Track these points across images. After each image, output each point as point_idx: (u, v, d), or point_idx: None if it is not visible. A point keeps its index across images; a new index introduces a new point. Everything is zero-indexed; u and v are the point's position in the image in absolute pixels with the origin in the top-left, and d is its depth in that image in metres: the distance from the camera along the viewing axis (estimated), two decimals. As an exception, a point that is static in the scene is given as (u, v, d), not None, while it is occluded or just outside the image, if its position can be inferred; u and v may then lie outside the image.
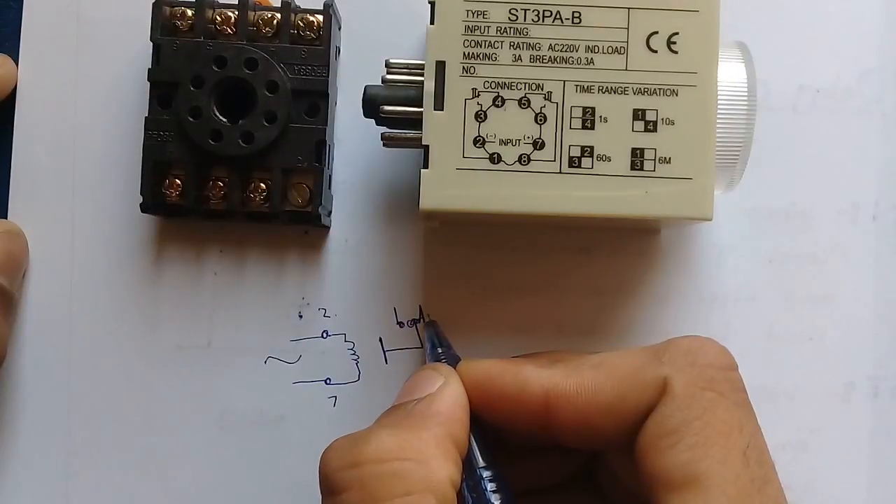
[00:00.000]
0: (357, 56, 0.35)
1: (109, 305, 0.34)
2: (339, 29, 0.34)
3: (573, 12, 0.29)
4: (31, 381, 0.34)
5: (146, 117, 0.32)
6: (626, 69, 0.29)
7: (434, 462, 0.24)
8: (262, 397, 0.34)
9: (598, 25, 0.29)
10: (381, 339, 0.34)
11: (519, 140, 0.29)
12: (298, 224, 0.33)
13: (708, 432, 0.24)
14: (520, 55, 0.29)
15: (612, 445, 0.27)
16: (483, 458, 0.27)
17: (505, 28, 0.29)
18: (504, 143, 0.29)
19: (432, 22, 0.29)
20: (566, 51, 0.29)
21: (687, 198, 0.29)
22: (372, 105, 0.30)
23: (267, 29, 0.32)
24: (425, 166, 0.29)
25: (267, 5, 0.33)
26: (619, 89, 0.29)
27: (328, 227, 0.35)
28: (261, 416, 0.34)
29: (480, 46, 0.29)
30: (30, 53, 0.35)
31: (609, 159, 0.29)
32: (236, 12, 0.32)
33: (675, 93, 0.29)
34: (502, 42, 0.29)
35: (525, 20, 0.29)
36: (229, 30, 0.32)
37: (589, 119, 0.29)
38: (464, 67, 0.29)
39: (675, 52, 0.29)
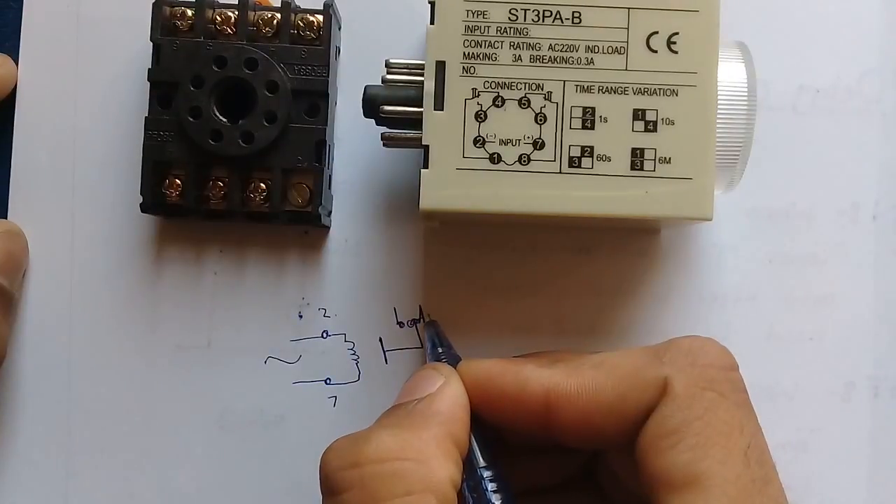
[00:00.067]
0: (357, 56, 0.35)
1: (109, 305, 0.34)
2: (339, 29, 0.34)
3: (573, 12, 0.29)
4: (31, 381, 0.34)
5: (146, 117, 0.32)
6: (626, 69, 0.29)
7: (434, 462, 0.24)
8: (262, 397, 0.34)
9: (598, 25, 0.29)
10: (381, 339, 0.34)
11: (519, 140, 0.29)
12: (298, 224, 0.33)
13: (709, 432, 0.24)
14: (520, 55, 0.29)
15: (612, 445, 0.27)
16: (483, 458, 0.27)
17: (505, 28, 0.29)
18: (504, 143, 0.29)
19: (432, 22, 0.29)
20: (566, 51, 0.29)
21: (687, 198, 0.29)
22: (372, 105, 0.30)
23: (267, 29, 0.32)
24: (425, 166, 0.29)
25: (267, 5, 0.33)
26: (619, 89, 0.29)
27: (328, 227, 0.35)
28: (261, 416, 0.34)
29: (480, 46, 0.29)
30: (30, 53, 0.35)
31: (609, 159, 0.29)
32: (236, 12, 0.32)
33: (675, 93, 0.29)
34: (502, 42, 0.29)
35: (525, 20, 0.29)
36: (229, 30, 0.32)
37: (589, 119, 0.29)
38: (464, 67, 0.29)
39: (675, 52, 0.29)
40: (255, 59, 0.32)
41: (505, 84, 0.29)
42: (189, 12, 0.32)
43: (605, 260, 0.35)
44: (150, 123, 0.32)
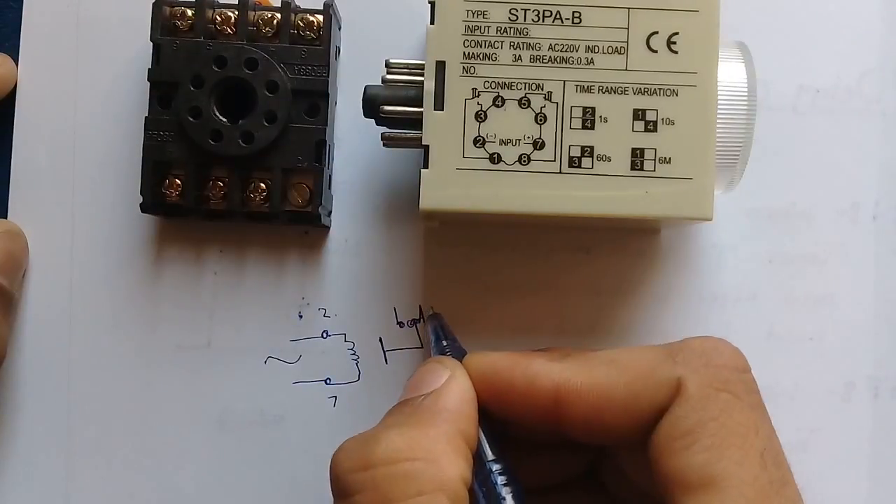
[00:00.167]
0: (357, 56, 0.35)
1: (109, 305, 0.34)
2: (339, 29, 0.34)
3: (573, 12, 0.29)
4: (31, 381, 0.34)
5: (146, 117, 0.32)
6: (626, 69, 0.29)
7: (444, 460, 0.24)
8: (262, 397, 0.34)
9: (598, 25, 0.29)
10: (381, 339, 0.34)
11: (519, 140, 0.29)
12: (298, 224, 0.33)
13: (724, 434, 0.24)
14: (520, 55, 0.29)
15: (622, 442, 0.27)
16: (492, 452, 0.26)
17: (505, 28, 0.29)
18: (504, 143, 0.29)
19: (432, 22, 0.29)
20: (566, 51, 0.29)
21: (687, 198, 0.29)
22: (372, 105, 0.30)
23: (267, 29, 0.32)
24: (425, 166, 0.29)
25: (267, 5, 0.33)
26: (619, 89, 0.29)
27: (328, 227, 0.35)
28: (261, 416, 0.34)
29: (480, 46, 0.29)
30: (30, 53, 0.35)
31: (609, 159, 0.29)
32: (236, 12, 0.32)
33: (675, 93, 0.29)
34: (502, 42, 0.29)
35: (525, 20, 0.29)
36: (229, 30, 0.32)
37: (589, 119, 0.29)
38: (464, 67, 0.29)
39: (675, 52, 0.29)
40: (255, 59, 0.32)
41: (505, 84, 0.29)
42: (189, 12, 0.32)
43: (605, 260, 0.35)
44: (150, 123, 0.32)
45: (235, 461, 0.34)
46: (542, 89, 0.29)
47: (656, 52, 0.29)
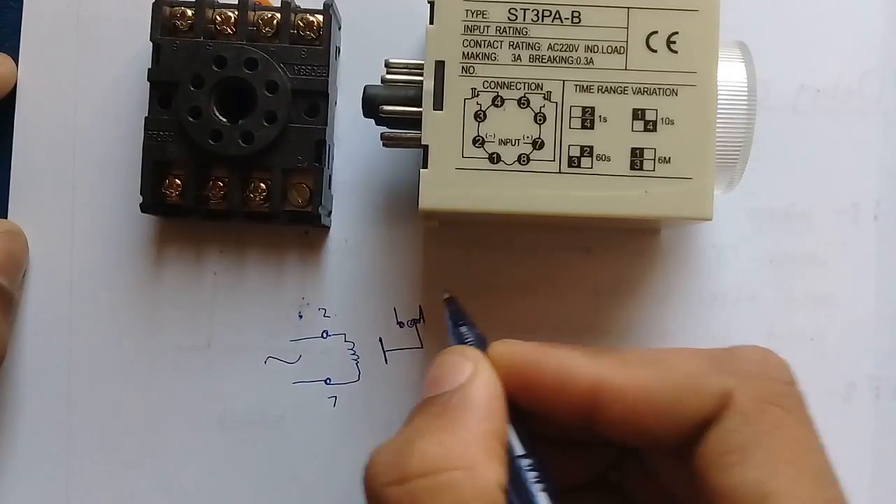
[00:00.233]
0: (357, 56, 0.35)
1: (109, 305, 0.34)
2: (339, 29, 0.34)
3: (573, 12, 0.29)
4: (31, 381, 0.34)
5: (146, 117, 0.32)
6: (625, 69, 0.29)
7: (481, 467, 0.23)
8: (262, 397, 0.34)
9: (598, 25, 0.29)
10: (381, 339, 0.34)
11: (518, 140, 0.29)
12: (298, 224, 0.33)
13: (778, 450, 0.23)
14: (519, 55, 0.29)
15: (657, 446, 0.26)
16: (522, 446, 0.25)
17: (504, 28, 0.29)
18: (503, 142, 0.29)
19: (432, 22, 0.29)
20: (566, 50, 0.29)
21: (687, 198, 0.29)
22: (371, 105, 0.30)
23: (267, 29, 0.32)
24: (425, 166, 0.29)
25: (267, 5, 0.33)
26: (619, 89, 0.29)
27: (328, 227, 0.35)
28: (261, 416, 0.34)
29: (480, 46, 0.29)
30: (30, 53, 0.35)
31: (609, 159, 0.29)
32: (236, 12, 0.32)
33: (674, 92, 0.29)
34: (502, 42, 0.29)
35: (524, 20, 0.29)
36: (229, 30, 0.32)
37: (588, 119, 0.29)
38: (463, 67, 0.29)
39: (675, 52, 0.29)
40: (255, 59, 0.32)
41: (504, 84, 0.29)
42: (189, 12, 0.32)
43: (605, 260, 0.35)
44: (150, 123, 0.32)
45: (235, 461, 0.34)
46: (542, 89, 0.29)
47: (656, 51, 0.29)
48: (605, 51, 0.29)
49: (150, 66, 0.32)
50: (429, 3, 0.29)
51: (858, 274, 0.35)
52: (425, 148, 0.29)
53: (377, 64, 0.31)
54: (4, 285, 0.32)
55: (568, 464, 0.29)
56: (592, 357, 0.25)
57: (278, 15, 0.32)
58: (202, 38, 0.32)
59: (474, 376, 0.25)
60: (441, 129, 0.29)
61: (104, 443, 0.34)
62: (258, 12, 0.32)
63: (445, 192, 0.29)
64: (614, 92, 0.29)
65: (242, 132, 0.32)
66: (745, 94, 0.30)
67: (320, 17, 0.33)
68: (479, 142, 0.29)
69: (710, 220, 0.29)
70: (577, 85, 0.29)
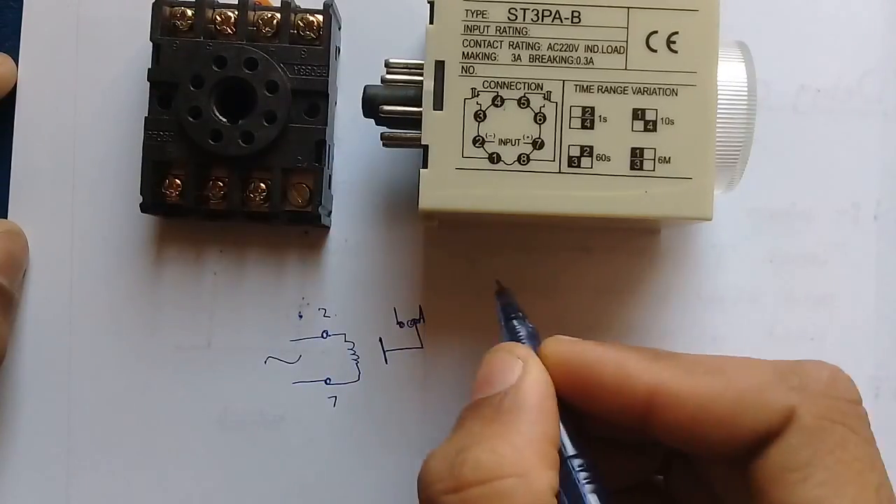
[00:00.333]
0: (357, 56, 0.35)
1: (109, 305, 0.34)
2: (339, 29, 0.34)
3: (572, 12, 0.29)
4: (31, 381, 0.34)
5: (146, 117, 0.32)
6: (625, 69, 0.29)
7: (534, 473, 0.23)
8: (262, 397, 0.34)
9: (598, 25, 0.29)
10: (381, 339, 0.34)
11: (518, 140, 0.29)
12: (298, 224, 0.33)
13: (840, 469, 0.23)
14: (519, 55, 0.29)
15: (713, 455, 0.26)
16: (573, 446, 0.25)
17: (504, 28, 0.29)
18: (503, 142, 0.29)
19: (432, 22, 0.29)
20: (565, 50, 0.29)
21: (687, 198, 0.29)
22: (371, 105, 0.30)
23: (267, 29, 0.32)
24: (424, 166, 0.29)
25: (267, 5, 0.33)
26: (619, 89, 0.29)
27: (328, 227, 0.35)
28: (261, 416, 0.34)
29: (480, 46, 0.29)
30: (30, 53, 0.35)
31: (609, 159, 0.29)
32: (236, 12, 0.32)
33: (674, 92, 0.29)
34: (501, 42, 0.29)
35: (524, 20, 0.29)
36: (229, 30, 0.32)
37: (588, 119, 0.29)
38: (463, 67, 0.29)
39: (675, 52, 0.29)
40: (255, 59, 0.32)
41: (504, 84, 0.29)
42: (189, 12, 0.32)
43: (604, 259, 0.35)
44: (150, 123, 0.32)
45: (235, 461, 0.34)
46: (542, 89, 0.29)
47: (656, 51, 0.29)
48: (605, 51, 0.29)
49: (150, 66, 0.32)
50: (429, 3, 0.29)
51: (858, 274, 0.35)
52: (425, 148, 0.29)
53: (377, 64, 0.31)
54: (4, 285, 0.32)
55: (615, 464, 0.28)
56: (652, 361, 0.25)
57: (278, 15, 0.32)
58: (202, 38, 0.32)
59: (525, 375, 0.25)
60: (441, 129, 0.29)
61: (104, 443, 0.34)
62: (258, 12, 0.32)
63: (445, 192, 0.29)
64: (614, 92, 0.29)
65: (242, 132, 0.32)
66: (745, 94, 0.30)
67: (320, 17, 0.33)
68: (479, 142, 0.29)
69: (710, 220, 0.29)
70: (577, 85, 0.29)
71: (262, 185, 0.32)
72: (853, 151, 0.35)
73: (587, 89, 0.29)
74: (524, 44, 0.29)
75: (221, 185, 0.32)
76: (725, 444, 0.24)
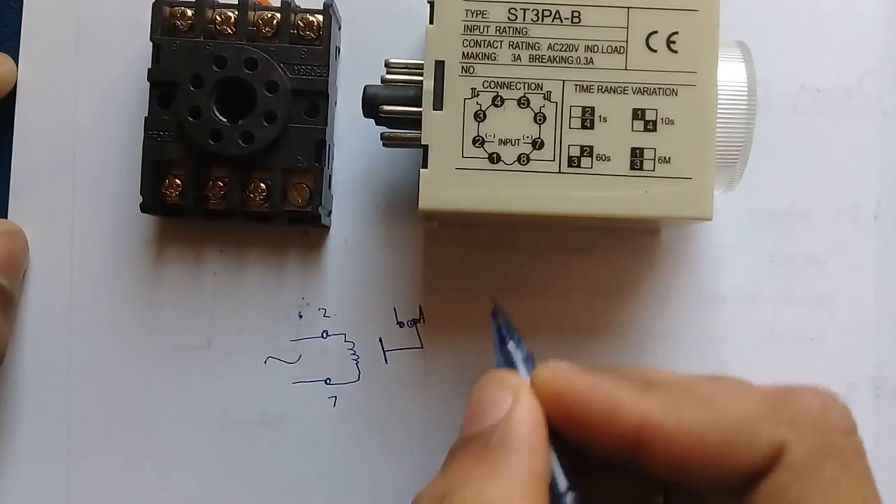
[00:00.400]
0: (357, 56, 0.35)
1: (109, 305, 0.34)
2: (339, 29, 0.34)
3: (572, 12, 0.29)
4: (31, 381, 0.34)
5: (146, 117, 0.32)
6: (625, 69, 0.29)
7: None
8: (262, 397, 0.34)
9: (598, 25, 0.29)
10: (381, 339, 0.34)
11: (518, 140, 0.29)
12: (298, 224, 0.33)
13: None
14: (519, 55, 0.29)
15: (703, 487, 0.25)
16: (565, 479, 0.25)
17: (504, 28, 0.29)
18: (503, 142, 0.29)
19: (431, 21, 0.29)
20: (565, 50, 0.29)
21: (687, 198, 0.29)
22: (371, 105, 0.30)
23: (267, 29, 0.32)
24: (424, 166, 0.29)
25: (267, 5, 0.33)
26: (619, 89, 0.29)
27: (328, 227, 0.35)
28: (261, 416, 0.34)
29: (480, 46, 0.29)
30: (30, 53, 0.35)
31: (609, 159, 0.29)
32: (236, 12, 0.32)
33: (674, 92, 0.29)
34: (501, 42, 0.29)
35: (524, 20, 0.29)
36: (229, 30, 0.32)
37: (588, 119, 0.29)
38: (463, 67, 0.29)
39: (675, 52, 0.29)
40: (255, 59, 0.32)
41: (504, 84, 0.29)
42: (189, 12, 0.32)
43: (604, 259, 0.35)
44: (150, 123, 0.32)
45: (235, 461, 0.34)
46: (542, 89, 0.29)
47: (656, 51, 0.29)
48: (605, 51, 0.29)
49: (150, 66, 0.32)
50: (429, 3, 0.29)
51: (858, 274, 0.35)
52: (425, 148, 0.29)
53: (377, 64, 0.31)
54: (4, 285, 0.32)
55: (614, 488, 0.28)
56: (642, 393, 0.25)
57: (278, 15, 0.32)
58: (202, 38, 0.32)
59: (515, 407, 0.24)
60: (441, 128, 0.29)
61: (104, 443, 0.34)
62: (258, 12, 0.32)
63: (445, 192, 0.29)
64: (614, 92, 0.29)
65: (242, 132, 0.32)
66: (745, 94, 0.30)
67: (320, 17, 0.33)
68: (478, 142, 0.29)
69: (710, 220, 0.29)
70: (577, 85, 0.29)
71: (262, 185, 0.32)
72: (853, 151, 0.35)
73: (587, 89, 0.29)
74: (524, 44, 0.29)
75: (221, 185, 0.32)
76: (716, 479, 0.24)
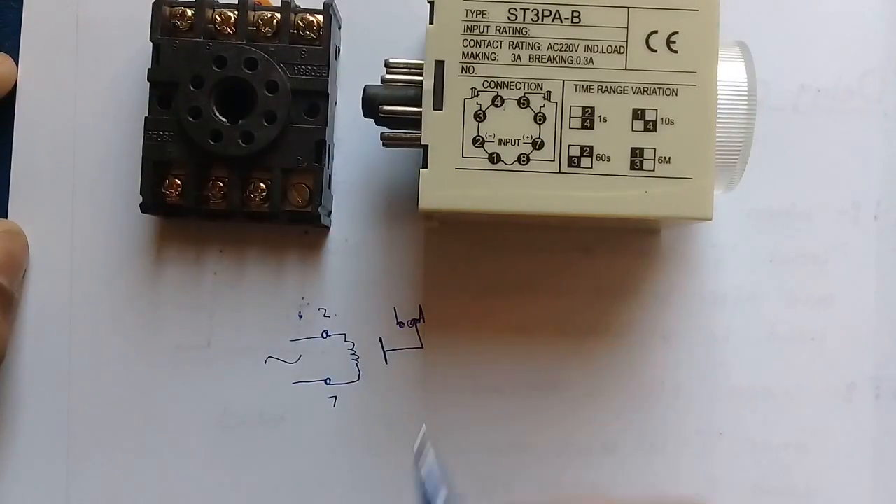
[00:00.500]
0: (357, 56, 0.35)
1: (109, 305, 0.34)
2: (339, 29, 0.34)
3: (572, 12, 0.29)
4: (31, 381, 0.34)
5: (146, 117, 0.32)
6: (625, 69, 0.29)
7: None
8: (262, 397, 0.34)
9: (598, 25, 0.29)
10: (381, 339, 0.34)
11: (518, 140, 0.29)
12: (298, 224, 0.33)
13: None
14: (519, 55, 0.29)
15: None
16: None
17: (504, 28, 0.29)
18: (503, 142, 0.29)
19: (431, 21, 0.29)
20: (565, 50, 0.29)
21: (687, 198, 0.29)
22: (371, 105, 0.30)
23: (267, 29, 0.32)
24: (424, 166, 0.29)
25: (267, 5, 0.33)
26: (619, 89, 0.29)
27: (328, 227, 0.35)
28: (261, 416, 0.34)
29: (480, 46, 0.29)
30: (30, 53, 0.35)
31: (608, 159, 0.29)
32: (236, 12, 0.32)
33: (674, 92, 0.29)
34: (501, 42, 0.29)
35: (524, 20, 0.29)
36: (229, 30, 0.32)
37: (588, 119, 0.29)
38: (463, 67, 0.29)
39: (675, 52, 0.29)
40: (255, 59, 0.32)
41: (504, 84, 0.29)
42: (189, 12, 0.32)
43: (605, 259, 0.35)
44: (150, 123, 0.32)
45: (235, 461, 0.34)
46: (542, 89, 0.29)
47: (656, 51, 0.29)
48: (605, 51, 0.29)
49: (150, 66, 0.32)
50: (429, 3, 0.29)
51: (858, 274, 0.35)
52: (425, 148, 0.29)
53: (377, 64, 0.31)
54: (4, 285, 0.32)
55: None
56: None
57: (278, 15, 0.32)
58: (202, 38, 0.32)
59: None
60: (441, 128, 0.29)
61: (104, 443, 0.34)
62: (258, 12, 0.32)
63: (445, 192, 0.29)
64: (614, 92, 0.29)
65: (242, 132, 0.32)
66: (745, 94, 0.30)
67: (320, 17, 0.33)
68: (478, 142, 0.29)
69: (710, 220, 0.29)
70: (577, 85, 0.29)
71: (262, 185, 0.32)
72: (853, 151, 0.35)
73: (587, 89, 0.29)
74: (524, 44, 0.29)
75: (221, 185, 0.32)
76: None
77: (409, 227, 0.35)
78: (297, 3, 0.34)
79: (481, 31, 0.29)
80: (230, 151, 0.32)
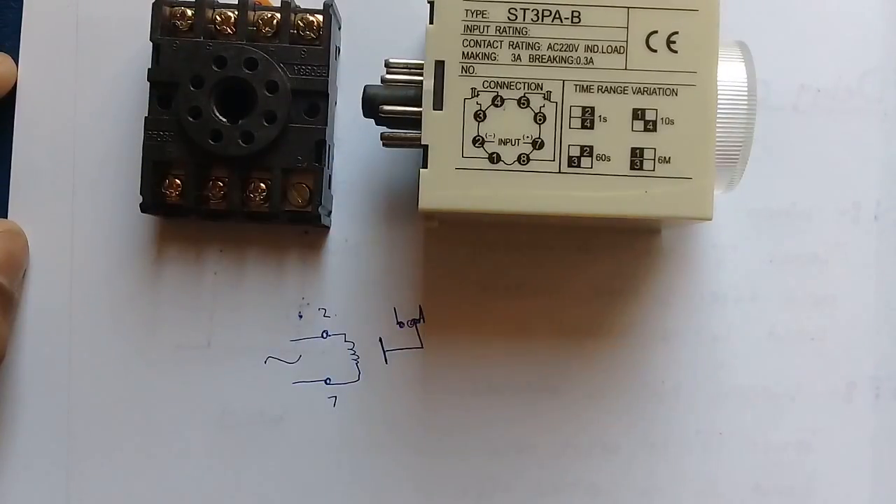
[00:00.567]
0: (357, 56, 0.35)
1: (109, 305, 0.34)
2: (339, 29, 0.34)
3: (572, 12, 0.29)
4: (31, 381, 0.34)
5: (146, 117, 0.32)
6: (625, 69, 0.29)
7: None
8: (262, 397, 0.34)
9: (598, 25, 0.29)
10: (381, 339, 0.34)
11: (518, 140, 0.29)
12: (298, 224, 0.33)
13: None
14: (519, 55, 0.29)
15: None
16: None
17: (504, 28, 0.29)
18: (503, 142, 0.29)
19: (431, 21, 0.29)
20: (565, 50, 0.29)
21: (687, 198, 0.29)
22: (371, 105, 0.30)
23: (267, 29, 0.32)
24: (424, 166, 0.29)
25: (267, 5, 0.33)
26: (619, 89, 0.29)
27: (328, 227, 0.35)
28: (261, 416, 0.34)
29: (480, 46, 0.29)
30: (30, 53, 0.35)
31: (608, 159, 0.29)
32: (236, 12, 0.32)
33: (674, 92, 0.29)
34: (501, 42, 0.29)
35: (524, 20, 0.29)
36: (229, 30, 0.32)
37: (588, 119, 0.29)
38: (463, 67, 0.29)
39: (675, 52, 0.29)
40: (255, 59, 0.32)
41: (504, 84, 0.29)
42: (189, 12, 0.32)
43: (605, 260, 0.35)
44: (149, 123, 0.32)
45: (235, 461, 0.34)
46: (542, 89, 0.29)
47: (656, 51, 0.29)
48: (605, 51, 0.29)
49: (150, 66, 0.32)
50: (429, 2, 0.29)
51: (858, 274, 0.35)
52: (425, 148, 0.29)
53: (377, 64, 0.31)
54: (4, 285, 0.32)
55: None
56: None
57: (278, 15, 0.32)
58: (202, 38, 0.32)
59: None
60: (441, 128, 0.29)
61: (104, 443, 0.34)
62: (258, 12, 0.32)
63: (445, 192, 0.29)
64: (614, 92, 0.29)
65: (242, 132, 0.32)
66: (745, 94, 0.30)
67: (320, 17, 0.33)
68: (478, 142, 0.29)
69: (710, 220, 0.29)
70: (577, 85, 0.29)
71: (262, 185, 0.32)
72: (853, 151, 0.35)
73: (587, 89, 0.29)
74: (524, 44, 0.29)
75: (221, 185, 0.32)
76: None
77: (409, 227, 0.35)
78: (297, 3, 0.34)
79: (481, 31, 0.29)
80: (230, 151, 0.32)
